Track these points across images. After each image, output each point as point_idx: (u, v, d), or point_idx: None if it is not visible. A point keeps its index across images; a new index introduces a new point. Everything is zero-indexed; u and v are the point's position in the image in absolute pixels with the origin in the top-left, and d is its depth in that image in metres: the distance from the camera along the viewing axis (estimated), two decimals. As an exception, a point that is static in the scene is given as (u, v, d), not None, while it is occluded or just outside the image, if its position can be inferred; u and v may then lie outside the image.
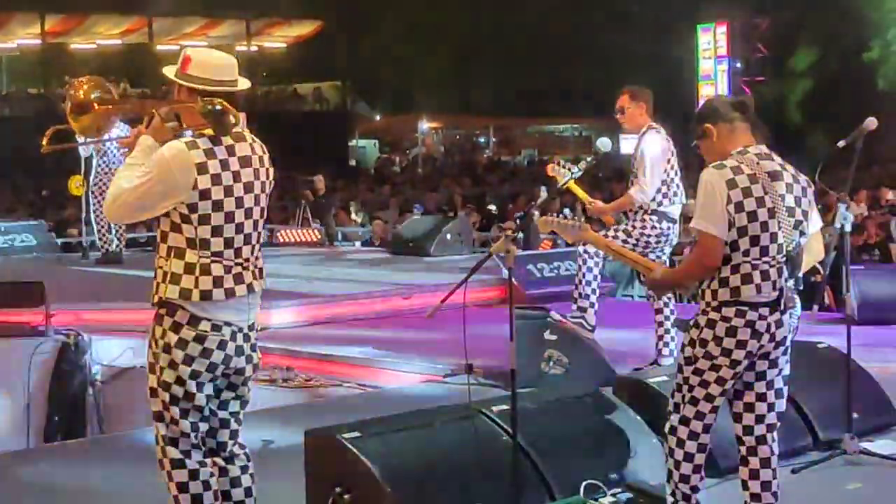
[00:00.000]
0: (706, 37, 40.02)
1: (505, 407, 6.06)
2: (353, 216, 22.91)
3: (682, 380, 5.46)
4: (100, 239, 14.92)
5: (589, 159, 8.31)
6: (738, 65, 39.69)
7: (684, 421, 5.45)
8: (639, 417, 6.67)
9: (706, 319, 5.37)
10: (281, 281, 13.19)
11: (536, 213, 9.53)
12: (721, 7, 38.47)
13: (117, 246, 14.77)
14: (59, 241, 18.78)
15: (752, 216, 5.31)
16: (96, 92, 5.30)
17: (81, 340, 10.90)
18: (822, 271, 9.64)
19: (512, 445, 5.72)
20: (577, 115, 49.12)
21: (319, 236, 18.42)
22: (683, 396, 5.46)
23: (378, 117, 55.32)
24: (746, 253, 5.32)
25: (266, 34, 48.47)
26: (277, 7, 44.10)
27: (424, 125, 54.33)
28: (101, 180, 14.04)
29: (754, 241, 5.32)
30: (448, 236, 15.87)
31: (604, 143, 8.23)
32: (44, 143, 5.51)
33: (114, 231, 14.78)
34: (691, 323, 5.48)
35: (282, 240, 18.24)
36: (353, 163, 47.48)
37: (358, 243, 18.77)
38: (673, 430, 5.50)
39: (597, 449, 6.44)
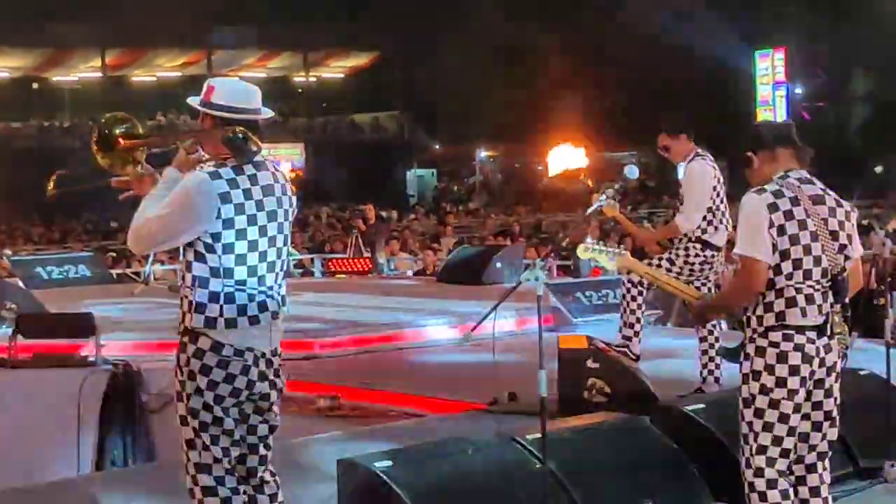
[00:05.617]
0: (764, 62, 39.90)
1: (539, 435, 6.04)
2: (409, 245, 22.97)
3: (747, 427, 5.35)
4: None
5: (616, 187, 8.27)
6: (797, 90, 39.47)
7: (759, 473, 5.32)
8: (675, 445, 6.64)
9: (755, 348, 5.32)
10: (329, 310, 13.26)
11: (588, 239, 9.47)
12: (779, 32, 38.30)
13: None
14: (116, 272, 18.99)
15: (795, 239, 5.27)
16: (120, 127, 5.35)
17: (131, 370, 11.01)
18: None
19: (543, 473, 5.72)
20: (635, 142, 48.97)
21: (370, 265, 18.48)
22: (752, 448, 5.33)
23: (436, 146, 55.46)
24: (790, 276, 5.27)
25: (324, 65, 48.94)
26: (334, 38, 44.42)
27: (482, 153, 54.41)
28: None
29: (797, 264, 5.27)
30: (498, 265, 15.86)
31: (631, 171, 8.18)
32: (49, 187, 5.56)
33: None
34: (741, 356, 5.39)
35: (333, 269, 18.31)
36: (410, 192, 47.59)
37: (409, 272, 18.80)
38: (751, 486, 5.34)
39: (631, 477, 6.41)
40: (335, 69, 49.61)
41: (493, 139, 52.30)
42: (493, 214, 30.35)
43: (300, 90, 48.42)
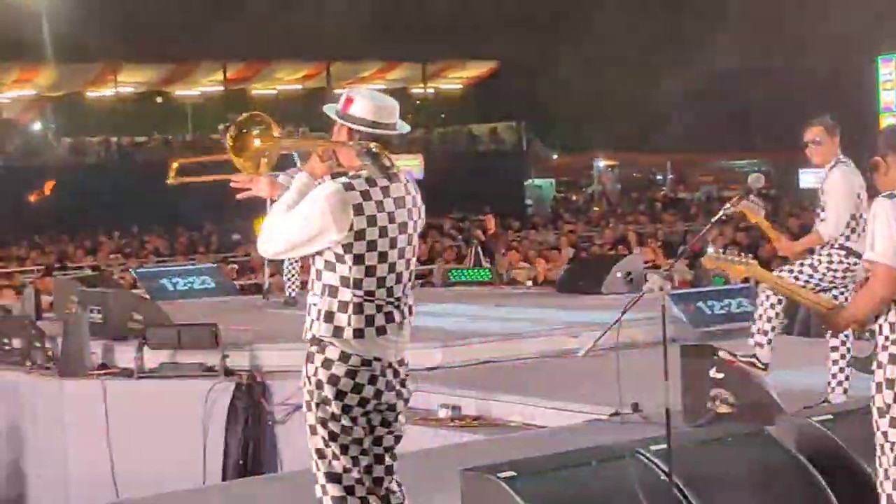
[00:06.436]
0: (887, 68, 39.19)
1: (663, 446, 6.00)
2: (528, 255, 22.93)
3: (882, 438, 5.22)
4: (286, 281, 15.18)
5: (740, 195, 8.19)
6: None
7: None
8: (801, 457, 6.54)
9: (888, 356, 5.22)
10: (450, 320, 13.27)
11: (710, 249, 9.38)
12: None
13: (289, 290, 14.95)
14: (240, 283, 19.23)
15: None
16: (256, 128, 5.33)
17: (255, 380, 11.15)
18: None
19: (668, 485, 5.68)
20: (756, 149, 48.46)
21: (490, 275, 18.47)
22: (890, 459, 5.19)
23: (555, 156, 55.35)
24: None
25: (442, 76, 49.09)
26: (454, 49, 44.52)
27: (601, 163, 54.21)
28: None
29: None
30: (619, 274, 15.78)
31: (756, 179, 8.13)
32: (170, 175, 5.62)
33: (286, 275, 15.02)
34: (874, 365, 5.29)
35: (452, 279, 18.33)
36: (529, 202, 47.54)
37: (529, 282, 18.77)
38: (890, 498, 5.22)
39: (757, 490, 6.33)
40: (453, 80, 49.78)
41: (611, 149, 52.11)
42: (611, 224, 30.14)
43: (418, 101, 48.65)
